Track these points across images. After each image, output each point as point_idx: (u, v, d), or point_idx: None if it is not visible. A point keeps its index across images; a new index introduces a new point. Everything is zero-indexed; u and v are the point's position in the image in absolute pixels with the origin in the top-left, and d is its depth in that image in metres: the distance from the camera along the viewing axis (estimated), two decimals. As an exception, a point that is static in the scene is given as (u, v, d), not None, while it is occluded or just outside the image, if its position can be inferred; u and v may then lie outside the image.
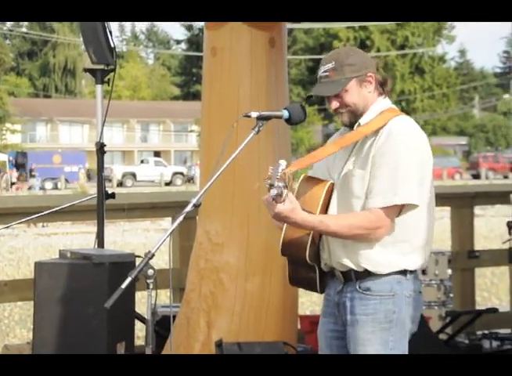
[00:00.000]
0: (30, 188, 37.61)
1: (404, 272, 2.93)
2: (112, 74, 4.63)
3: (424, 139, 2.95)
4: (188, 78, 66.47)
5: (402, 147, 2.87)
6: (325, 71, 2.93)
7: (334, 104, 2.94)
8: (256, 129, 2.89)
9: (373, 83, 2.96)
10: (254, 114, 2.89)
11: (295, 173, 2.81)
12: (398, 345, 2.92)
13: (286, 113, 2.94)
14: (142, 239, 16.14)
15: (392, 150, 2.87)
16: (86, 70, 4.74)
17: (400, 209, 2.88)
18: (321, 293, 3.05)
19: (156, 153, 53.43)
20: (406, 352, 2.95)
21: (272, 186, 2.64)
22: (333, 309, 3.02)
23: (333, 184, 2.97)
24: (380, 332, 2.90)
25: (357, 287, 2.93)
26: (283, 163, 2.67)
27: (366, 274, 2.92)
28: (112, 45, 4.57)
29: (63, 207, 5.06)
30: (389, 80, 3.01)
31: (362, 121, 2.96)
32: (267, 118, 2.91)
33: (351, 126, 2.99)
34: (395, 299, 2.91)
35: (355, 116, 2.97)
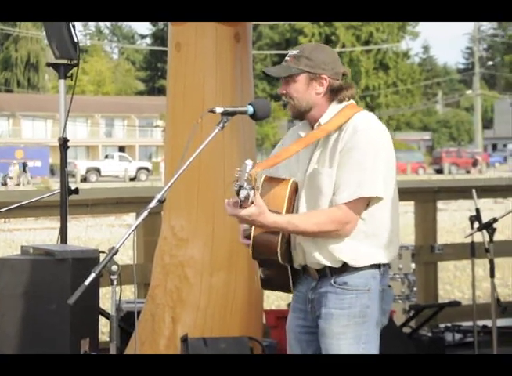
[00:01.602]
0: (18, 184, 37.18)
1: (378, 266, 2.95)
2: (75, 68, 4.59)
3: (388, 136, 2.97)
4: (153, 73, 66.14)
5: (368, 143, 2.88)
6: (288, 56, 2.98)
7: (281, 89, 2.98)
8: (221, 125, 2.88)
9: (324, 86, 2.95)
10: (219, 110, 2.88)
11: (260, 173, 2.81)
12: (370, 339, 2.94)
13: (251, 109, 2.93)
14: (107, 234, 16.02)
15: (358, 145, 2.88)
16: (49, 64, 4.71)
17: (366, 203, 2.90)
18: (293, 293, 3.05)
19: (121, 148, 53.10)
20: (378, 345, 2.97)
21: (241, 187, 2.63)
22: (302, 305, 3.03)
23: (295, 182, 2.97)
24: (354, 326, 2.92)
25: (332, 281, 2.94)
26: (249, 163, 2.65)
27: (342, 269, 2.93)
28: (75, 40, 4.53)
29: (25, 202, 5.01)
30: (348, 89, 2.96)
31: (322, 120, 2.96)
32: (232, 114, 2.90)
33: (299, 119, 3.00)
34: (370, 294, 2.93)
35: (299, 112, 2.97)
